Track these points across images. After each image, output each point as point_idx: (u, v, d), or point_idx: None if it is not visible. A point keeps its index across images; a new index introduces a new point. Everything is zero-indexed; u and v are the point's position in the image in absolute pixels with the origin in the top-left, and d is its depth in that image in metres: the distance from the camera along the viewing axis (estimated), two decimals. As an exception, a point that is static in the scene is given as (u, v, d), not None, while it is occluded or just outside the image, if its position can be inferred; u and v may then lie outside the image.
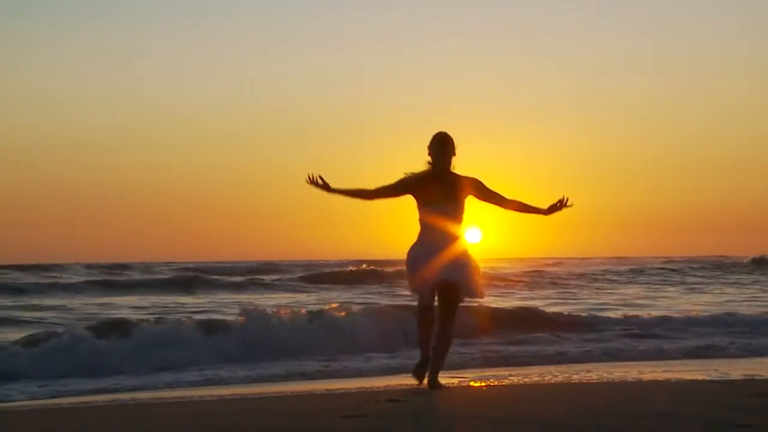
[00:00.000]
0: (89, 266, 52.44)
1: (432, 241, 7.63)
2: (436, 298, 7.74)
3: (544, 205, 7.81)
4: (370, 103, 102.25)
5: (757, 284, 36.30)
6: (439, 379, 7.91)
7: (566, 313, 19.13)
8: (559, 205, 7.77)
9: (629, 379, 9.73)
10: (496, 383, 9.52)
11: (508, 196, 7.82)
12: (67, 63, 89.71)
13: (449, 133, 7.69)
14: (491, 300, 19.50)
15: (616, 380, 9.66)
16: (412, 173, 7.68)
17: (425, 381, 7.94)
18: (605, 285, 36.32)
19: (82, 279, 37.38)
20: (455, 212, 7.68)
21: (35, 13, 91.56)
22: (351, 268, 44.74)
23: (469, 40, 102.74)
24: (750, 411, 6.51)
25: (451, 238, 7.64)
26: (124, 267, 54.01)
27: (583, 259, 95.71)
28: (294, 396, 8.87)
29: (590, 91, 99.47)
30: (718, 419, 6.13)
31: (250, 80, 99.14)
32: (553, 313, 19.15)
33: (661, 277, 41.96)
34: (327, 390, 9.37)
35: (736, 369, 10.75)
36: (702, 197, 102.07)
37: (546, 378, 9.81)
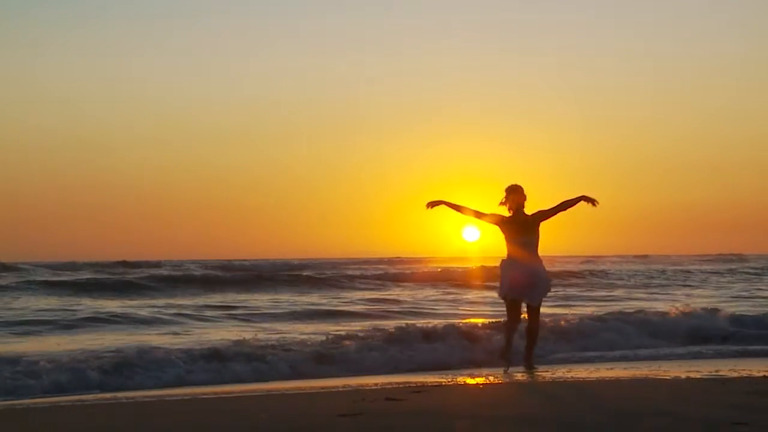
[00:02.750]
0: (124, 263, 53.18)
1: (517, 261, 10.21)
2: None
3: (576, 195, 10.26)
4: (366, 103, 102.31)
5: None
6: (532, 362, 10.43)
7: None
8: (592, 201, 10.23)
9: (625, 378, 9.72)
10: (493, 382, 9.51)
11: (554, 203, 10.28)
12: (64, 61, 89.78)
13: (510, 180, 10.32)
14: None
15: (617, 378, 9.65)
16: (501, 215, 10.27)
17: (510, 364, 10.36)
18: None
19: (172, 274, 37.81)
20: (532, 242, 10.23)
21: (30, 13, 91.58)
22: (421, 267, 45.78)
23: (466, 40, 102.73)
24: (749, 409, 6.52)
25: (529, 259, 10.21)
26: (130, 265, 54.23)
27: (593, 257, 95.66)
28: (291, 394, 8.86)
29: (586, 91, 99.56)
30: (713, 417, 6.14)
31: (247, 79, 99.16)
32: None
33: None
34: (324, 388, 9.36)
35: None
36: (698, 195, 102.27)
37: (548, 376, 9.82)
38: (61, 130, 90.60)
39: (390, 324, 16.51)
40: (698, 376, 9.60)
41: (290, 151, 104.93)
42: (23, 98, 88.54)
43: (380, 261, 77.72)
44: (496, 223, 10.27)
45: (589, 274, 42.81)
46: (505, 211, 10.30)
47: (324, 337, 13.78)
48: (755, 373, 9.64)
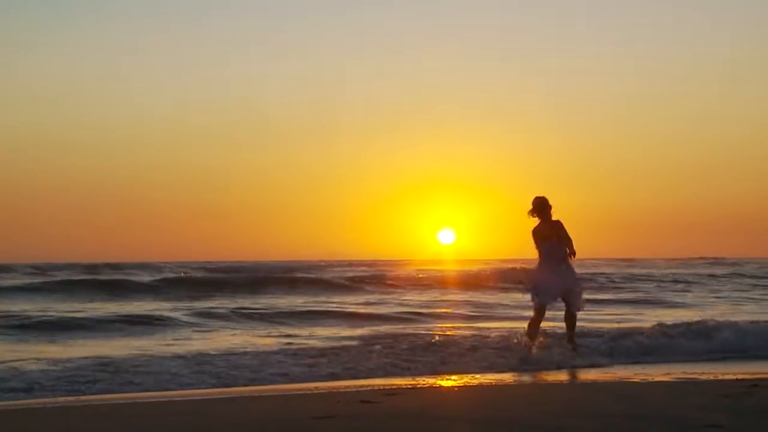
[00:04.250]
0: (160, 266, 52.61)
1: (548, 264, 11.71)
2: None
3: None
4: (343, 106, 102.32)
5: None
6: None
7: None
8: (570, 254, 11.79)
9: (601, 381, 9.76)
10: (467, 384, 9.51)
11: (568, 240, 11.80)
12: (42, 61, 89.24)
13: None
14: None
15: (589, 381, 9.69)
16: (536, 226, 11.75)
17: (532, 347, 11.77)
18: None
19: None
20: (558, 244, 11.67)
21: (10, 13, 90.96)
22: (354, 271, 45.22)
23: (443, 43, 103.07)
24: (721, 411, 6.54)
25: (558, 261, 11.69)
26: (114, 267, 53.89)
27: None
28: (265, 396, 8.81)
29: (563, 93, 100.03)
30: (688, 420, 6.16)
31: (225, 81, 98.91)
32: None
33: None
34: (299, 390, 9.32)
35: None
36: (676, 198, 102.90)
37: (518, 379, 9.83)
38: (37, 129, 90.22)
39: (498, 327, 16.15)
40: (670, 379, 9.65)
41: (267, 154, 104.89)
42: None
43: (358, 263, 77.50)
44: (535, 233, 11.75)
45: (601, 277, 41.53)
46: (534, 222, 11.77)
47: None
48: (729, 376, 9.69)
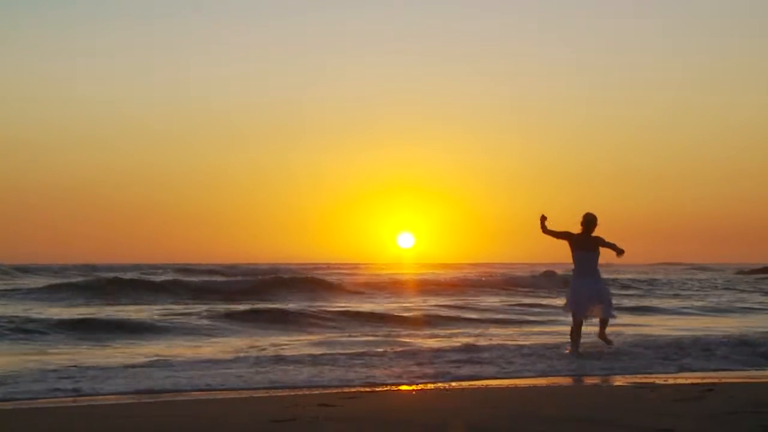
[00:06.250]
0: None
1: (580, 279, 13.01)
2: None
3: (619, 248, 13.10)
4: (303, 109, 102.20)
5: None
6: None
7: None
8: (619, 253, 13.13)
9: (555, 384, 9.82)
10: (426, 388, 9.55)
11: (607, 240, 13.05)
12: (3, 62, 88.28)
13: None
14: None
15: (543, 385, 9.74)
16: (573, 232, 12.95)
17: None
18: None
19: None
20: (594, 256, 12.98)
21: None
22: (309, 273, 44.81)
23: (403, 49, 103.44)
24: (674, 416, 6.63)
25: (590, 272, 12.98)
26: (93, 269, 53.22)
27: (533, 264, 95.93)
28: (223, 399, 8.77)
29: (523, 99, 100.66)
30: (642, 424, 6.23)
31: (190, 82, 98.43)
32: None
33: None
34: (257, 393, 9.28)
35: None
36: (636, 203, 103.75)
37: (473, 383, 9.88)
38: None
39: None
40: (627, 383, 9.74)
41: (227, 156, 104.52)
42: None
43: (312, 266, 77.36)
44: (571, 239, 12.95)
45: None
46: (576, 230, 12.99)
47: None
48: (685, 381, 9.81)
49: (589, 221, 12.94)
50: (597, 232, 13.02)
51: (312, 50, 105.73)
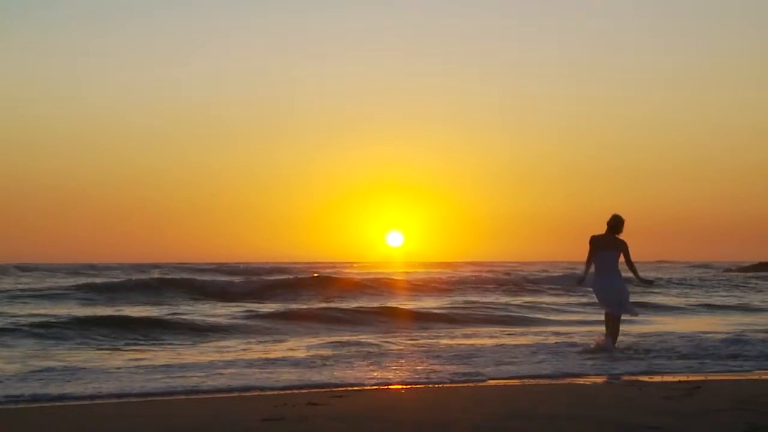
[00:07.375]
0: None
1: (604, 273, 13.09)
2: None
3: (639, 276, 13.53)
4: (292, 108, 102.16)
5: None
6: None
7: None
8: (648, 284, 14.28)
9: (545, 383, 9.85)
10: (415, 387, 9.56)
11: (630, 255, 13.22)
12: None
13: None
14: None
15: (532, 384, 9.77)
16: (594, 234, 13.13)
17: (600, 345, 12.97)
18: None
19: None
20: (615, 255, 13.07)
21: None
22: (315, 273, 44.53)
23: (390, 48, 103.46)
24: (661, 413, 6.66)
25: (610, 271, 13.05)
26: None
27: (521, 262, 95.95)
28: (213, 399, 8.78)
29: (510, 99, 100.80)
30: (630, 421, 6.26)
31: (174, 82, 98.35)
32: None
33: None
34: (246, 392, 9.28)
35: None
36: (622, 202, 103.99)
37: (464, 382, 9.90)
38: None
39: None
40: (616, 382, 9.79)
41: (215, 155, 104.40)
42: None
43: (299, 266, 77.24)
44: (594, 240, 13.13)
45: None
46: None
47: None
48: (673, 379, 9.85)
49: (617, 223, 13.12)
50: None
51: (300, 50, 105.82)
